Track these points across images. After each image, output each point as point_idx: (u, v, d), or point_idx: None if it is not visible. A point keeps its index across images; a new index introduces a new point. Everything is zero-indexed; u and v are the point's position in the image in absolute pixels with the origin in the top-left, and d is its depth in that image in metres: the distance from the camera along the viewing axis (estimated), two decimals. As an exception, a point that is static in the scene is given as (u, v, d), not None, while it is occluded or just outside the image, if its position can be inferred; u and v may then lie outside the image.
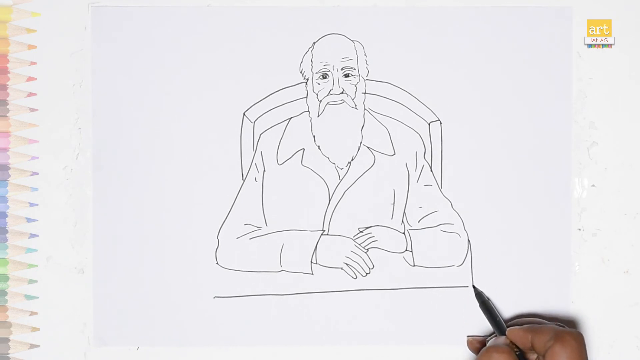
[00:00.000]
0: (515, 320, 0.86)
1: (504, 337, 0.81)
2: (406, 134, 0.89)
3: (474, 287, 0.87)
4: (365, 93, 0.88)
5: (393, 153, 0.88)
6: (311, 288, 0.88)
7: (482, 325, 0.87)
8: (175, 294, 0.87)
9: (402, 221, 0.88)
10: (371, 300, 0.88)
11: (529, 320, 0.84)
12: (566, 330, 0.77)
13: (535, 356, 0.79)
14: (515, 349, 0.79)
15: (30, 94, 0.87)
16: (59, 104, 0.87)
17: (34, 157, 0.87)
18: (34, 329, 0.87)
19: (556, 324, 0.81)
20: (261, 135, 0.88)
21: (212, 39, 0.88)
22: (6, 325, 0.87)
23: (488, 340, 0.84)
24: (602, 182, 0.88)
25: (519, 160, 0.88)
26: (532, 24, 0.88)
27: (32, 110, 0.87)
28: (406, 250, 0.88)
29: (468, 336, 0.87)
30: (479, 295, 0.86)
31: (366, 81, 0.88)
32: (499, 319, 0.84)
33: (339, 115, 0.88)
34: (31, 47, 0.87)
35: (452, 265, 0.88)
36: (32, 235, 0.87)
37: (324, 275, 0.88)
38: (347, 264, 0.88)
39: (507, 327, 0.82)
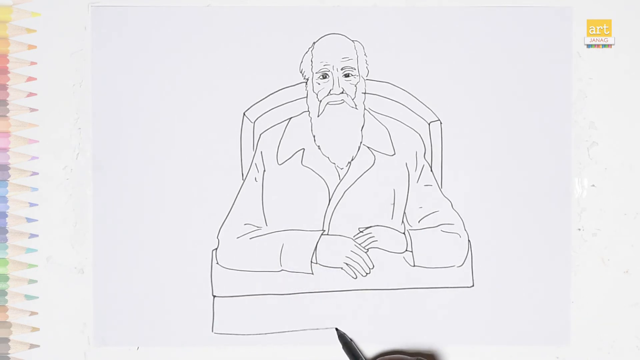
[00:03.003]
0: (379, 359, 0.85)
1: None
2: (406, 134, 0.89)
3: (336, 329, 0.86)
4: (365, 93, 0.88)
5: (393, 153, 0.88)
6: (311, 288, 0.88)
7: (483, 326, 0.87)
8: (175, 294, 0.87)
9: (402, 221, 0.88)
10: (371, 300, 0.88)
11: (390, 359, 0.83)
12: None
13: None
14: None
15: (30, 94, 0.87)
16: (59, 104, 0.87)
17: (34, 157, 0.87)
18: (34, 329, 0.87)
19: (417, 359, 0.82)
20: (261, 135, 0.88)
21: (212, 39, 0.87)
22: (6, 325, 0.87)
23: None
24: (602, 182, 0.88)
25: (519, 160, 0.88)
26: (532, 24, 0.88)
27: (32, 110, 0.87)
28: (406, 250, 0.88)
29: None
30: (342, 337, 0.86)
31: (366, 81, 0.88)
32: (362, 359, 0.84)
33: (339, 115, 0.88)
34: (31, 47, 0.87)
35: (452, 266, 0.88)
36: (32, 235, 0.87)
37: (324, 275, 0.88)
38: (347, 264, 0.87)
39: None
